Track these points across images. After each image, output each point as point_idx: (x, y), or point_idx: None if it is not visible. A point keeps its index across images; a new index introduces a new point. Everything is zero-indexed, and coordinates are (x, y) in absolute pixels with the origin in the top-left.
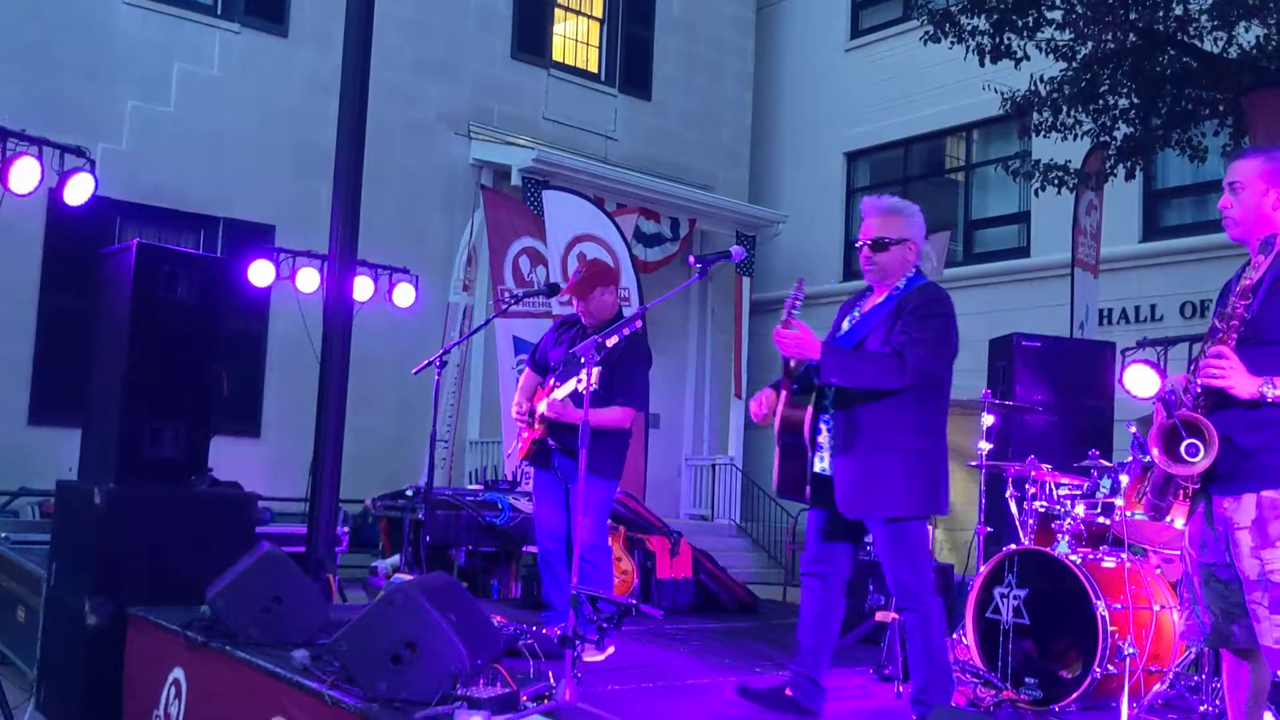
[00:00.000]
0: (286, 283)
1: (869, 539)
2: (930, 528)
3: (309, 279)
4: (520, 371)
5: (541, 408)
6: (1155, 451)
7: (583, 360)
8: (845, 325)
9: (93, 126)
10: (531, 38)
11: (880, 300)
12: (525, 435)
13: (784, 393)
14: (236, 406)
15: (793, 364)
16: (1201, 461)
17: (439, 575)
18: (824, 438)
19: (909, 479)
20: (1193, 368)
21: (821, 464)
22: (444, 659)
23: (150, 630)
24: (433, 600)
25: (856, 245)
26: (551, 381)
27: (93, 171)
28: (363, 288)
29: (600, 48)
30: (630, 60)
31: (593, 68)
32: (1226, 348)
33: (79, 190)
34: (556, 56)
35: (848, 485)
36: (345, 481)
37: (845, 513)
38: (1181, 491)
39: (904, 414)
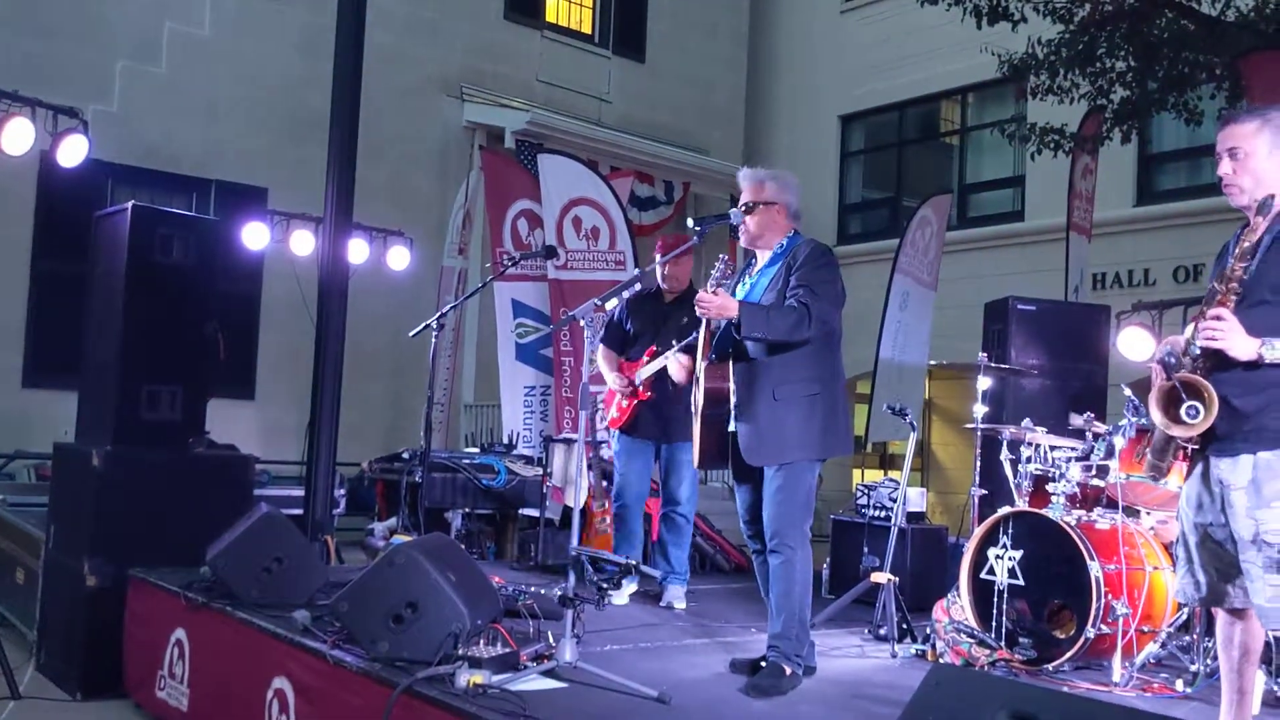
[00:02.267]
0: (280, 245)
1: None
2: (923, 491)
3: (303, 242)
4: (519, 335)
5: (645, 373)
6: (1155, 413)
7: (583, 322)
8: (739, 291)
9: (83, 88)
10: None
11: (766, 262)
12: (624, 404)
13: (705, 364)
14: (231, 369)
15: (712, 326)
16: (1201, 423)
17: (439, 536)
18: (734, 398)
19: (803, 425)
20: (1192, 330)
21: (735, 423)
22: (445, 619)
23: (151, 591)
24: (433, 561)
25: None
26: (654, 347)
27: (86, 133)
28: (357, 250)
29: (594, 8)
30: (624, 21)
31: (586, 29)
32: (1226, 309)
33: (72, 152)
34: (549, 17)
35: (749, 435)
36: (341, 444)
37: (751, 461)
38: (1181, 452)
39: (798, 363)
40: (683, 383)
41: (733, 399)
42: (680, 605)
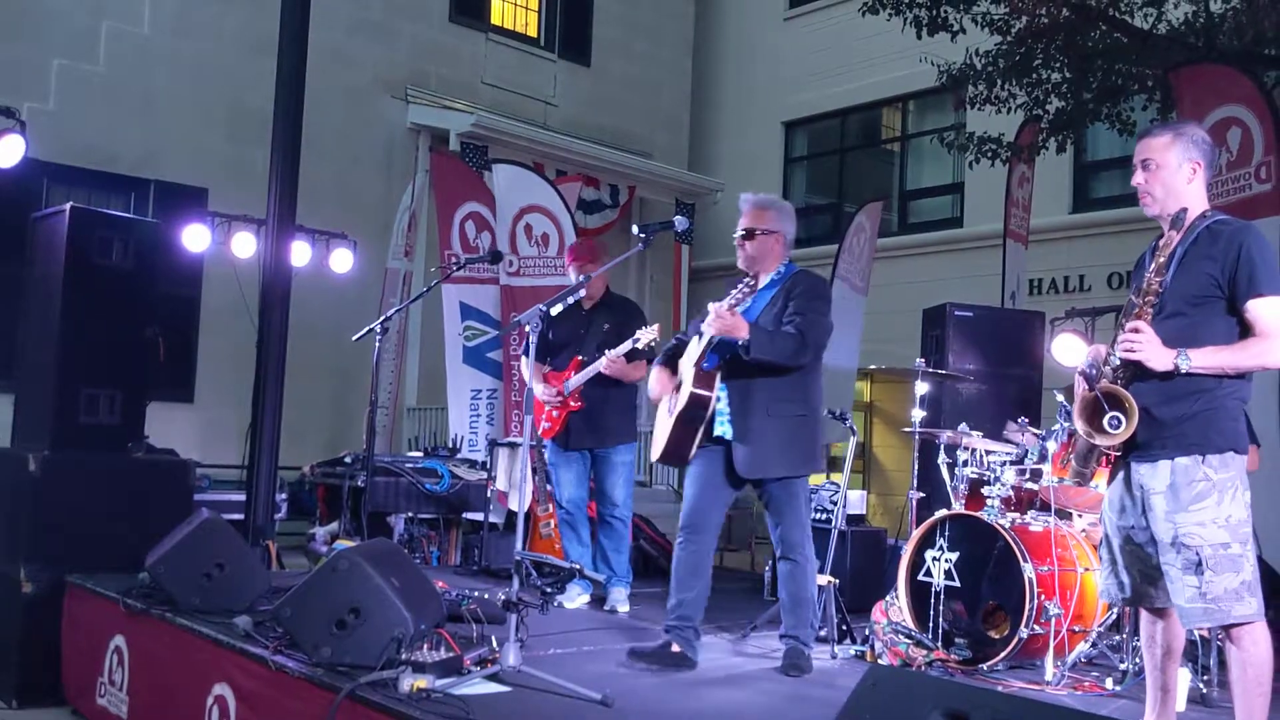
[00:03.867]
0: (221, 247)
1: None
2: (864, 493)
3: (245, 243)
4: (467, 338)
5: (574, 383)
6: (1079, 423)
7: (528, 328)
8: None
9: (18, 86)
10: (470, 0)
11: (764, 286)
12: (555, 414)
13: (695, 370)
14: (170, 372)
15: (711, 338)
16: (1123, 432)
17: (382, 541)
18: (722, 404)
19: (793, 443)
20: (1112, 341)
21: (720, 429)
22: (388, 624)
23: (89, 598)
24: (377, 566)
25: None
26: (579, 357)
27: (23, 133)
28: (300, 253)
29: (539, 12)
30: (570, 25)
31: (532, 32)
32: (1143, 322)
33: (9, 151)
34: (495, 20)
35: (745, 449)
36: (282, 448)
37: (744, 473)
38: (1104, 459)
39: (788, 386)
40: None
41: (718, 409)
42: (624, 608)
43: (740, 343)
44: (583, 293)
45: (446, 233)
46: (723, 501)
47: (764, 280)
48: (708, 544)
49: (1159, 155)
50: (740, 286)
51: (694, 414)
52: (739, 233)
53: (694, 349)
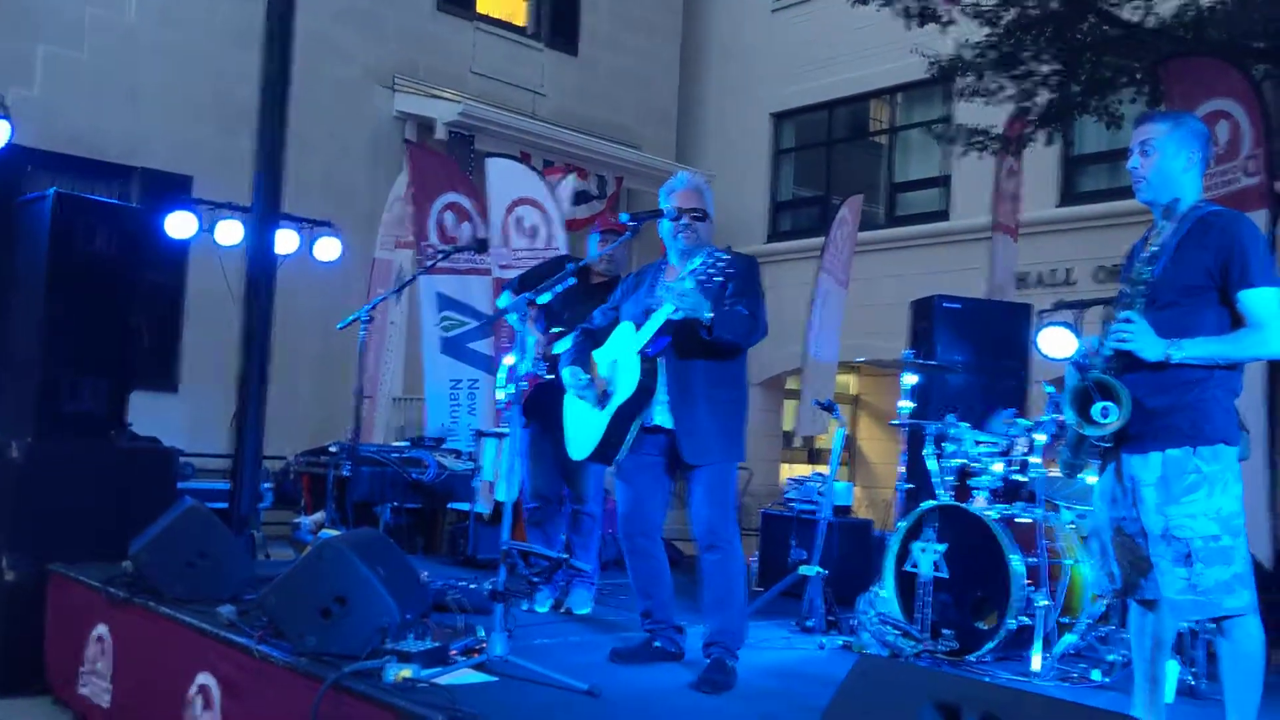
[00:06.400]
0: (206, 235)
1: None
2: (851, 485)
3: (230, 231)
4: (445, 329)
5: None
6: (1070, 413)
7: (531, 317)
8: (660, 295)
9: (3, 72)
10: None
11: (694, 267)
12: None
13: (640, 357)
14: (155, 360)
15: (671, 324)
16: (1114, 423)
17: (368, 530)
18: (665, 396)
19: (732, 428)
20: (1103, 332)
21: (657, 418)
22: (373, 613)
23: (71, 586)
24: (362, 555)
25: (677, 214)
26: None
27: (8, 118)
28: (286, 241)
29: (528, 1)
30: (558, 15)
31: (520, 22)
32: (1134, 312)
33: None
34: (483, 10)
35: (688, 435)
36: (266, 437)
37: (690, 459)
38: (1095, 450)
39: (727, 370)
40: None
41: (662, 393)
42: (584, 610)
43: (706, 320)
44: (597, 267)
45: (423, 224)
46: (662, 498)
47: (694, 262)
48: (656, 547)
49: (1155, 140)
50: (706, 264)
51: (637, 407)
52: (693, 212)
53: (628, 336)
